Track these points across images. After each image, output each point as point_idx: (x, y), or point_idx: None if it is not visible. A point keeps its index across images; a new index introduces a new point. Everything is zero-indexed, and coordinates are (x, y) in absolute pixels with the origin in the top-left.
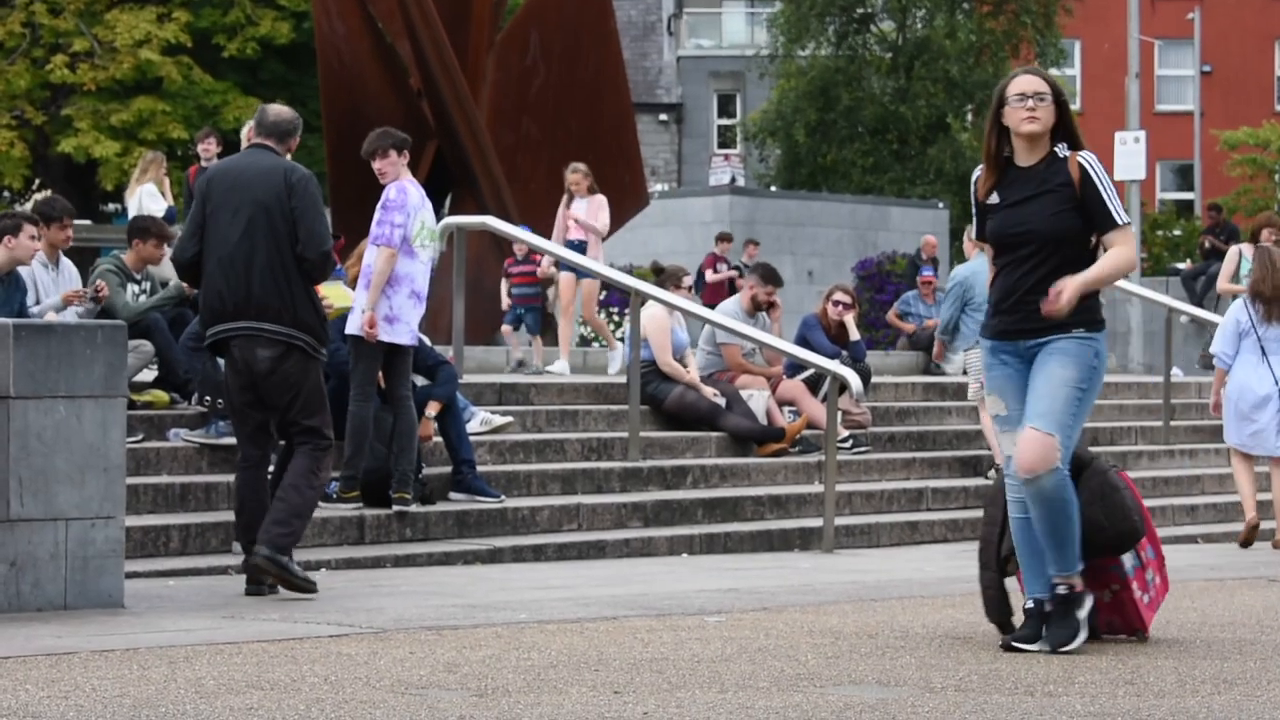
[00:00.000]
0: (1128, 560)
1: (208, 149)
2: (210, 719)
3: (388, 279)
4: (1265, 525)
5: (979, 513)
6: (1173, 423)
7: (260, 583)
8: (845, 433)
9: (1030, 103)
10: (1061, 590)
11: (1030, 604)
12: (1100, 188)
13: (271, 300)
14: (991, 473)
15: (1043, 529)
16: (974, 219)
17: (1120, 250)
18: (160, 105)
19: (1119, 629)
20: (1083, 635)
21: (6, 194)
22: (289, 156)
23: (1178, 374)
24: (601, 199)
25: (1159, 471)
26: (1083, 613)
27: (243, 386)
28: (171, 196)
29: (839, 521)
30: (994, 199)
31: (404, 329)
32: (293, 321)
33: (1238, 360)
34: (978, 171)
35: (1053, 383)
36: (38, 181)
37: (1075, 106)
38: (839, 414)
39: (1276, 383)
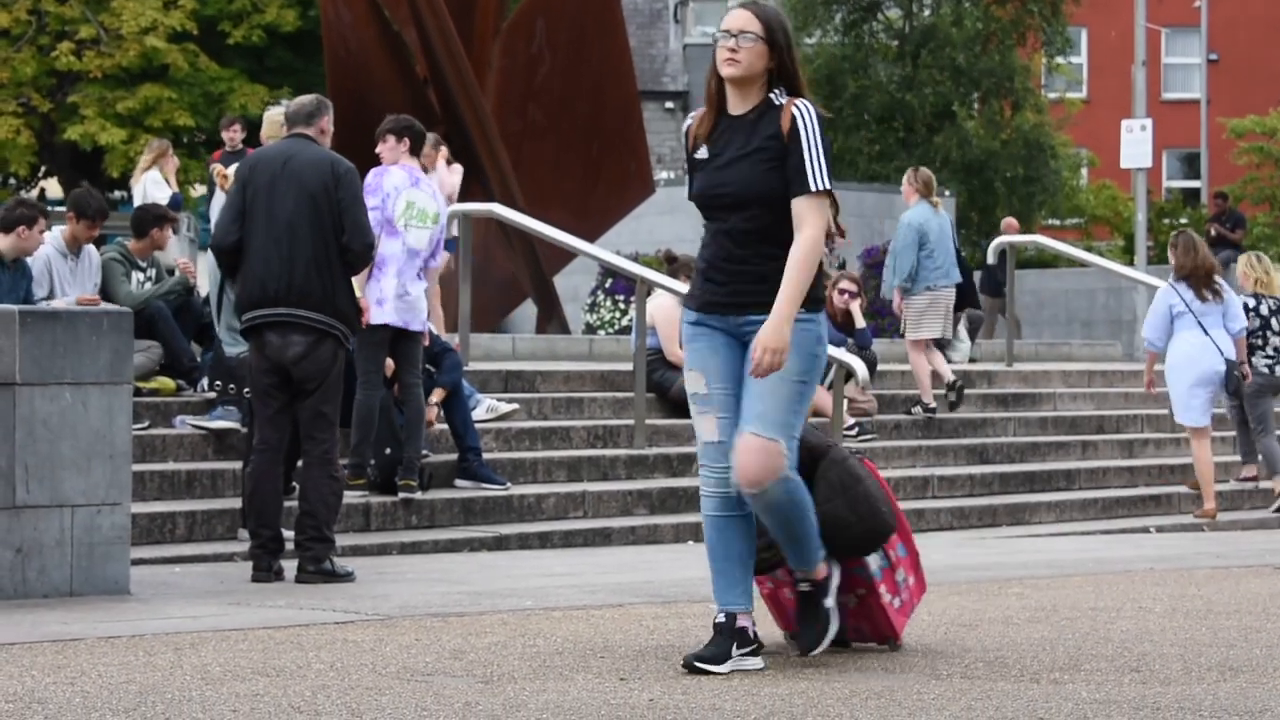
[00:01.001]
0: (874, 561)
1: (233, 136)
2: (216, 705)
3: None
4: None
5: (986, 500)
6: None
7: (268, 568)
8: (851, 420)
9: (733, 41)
10: (804, 587)
11: (721, 617)
12: (805, 141)
13: (314, 289)
14: (917, 408)
15: (778, 535)
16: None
17: (805, 237)
18: (166, 93)
19: (868, 636)
20: (834, 625)
21: (12, 181)
22: (328, 137)
23: None
24: (456, 168)
25: (1165, 459)
26: (830, 600)
27: (269, 370)
28: (177, 183)
29: None
30: (702, 153)
31: (391, 310)
32: (332, 311)
33: (1182, 341)
34: (690, 119)
35: (770, 379)
36: (44, 169)
37: (1082, 94)
38: (845, 401)
39: (1223, 356)
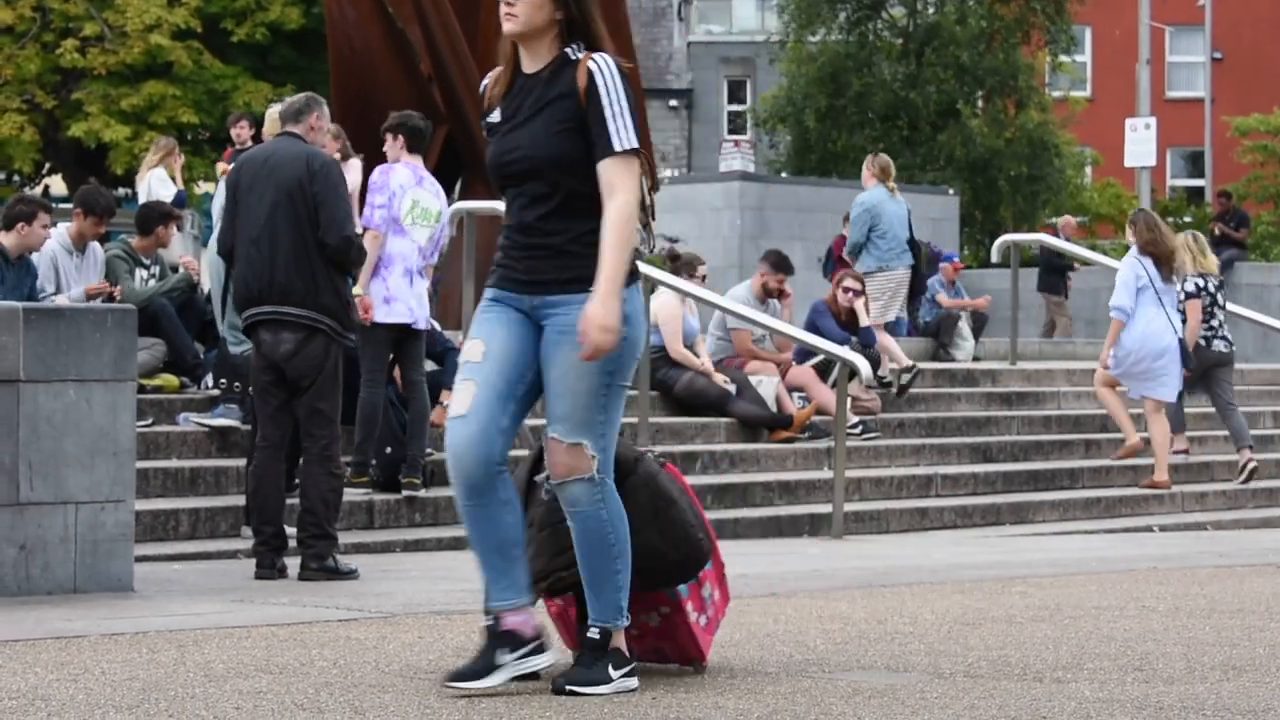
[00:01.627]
0: None
1: (240, 133)
2: (219, 703)
3: (379, 260)
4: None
5: (989, 499)
6: (1183, 410)
7: (271, 566)
8: (855, 419)
9: None
10: (593, 634)
11: (489, 620)
12: (605, 98)
13: (295, 285)
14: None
15: (583, 570)
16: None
17: (618, 203)
18: (170, 90)
19: (670, 657)
20: (612, 689)
21: (17, 178)
22: (323, 134)
23: None
24: (354, 163)
25: (1170, 459)
26: (618, 674)
27: (265, 367)
28: (183, 180)
29: (848, 507)
30: (495, 116)
31: (401, 308)
32: (315, 305)
33: (1144, 316)
34: (486, 79)
35: (570, 374)
36: (48, 166)
37: (1086, 93)
38: (849, 400)
39: (1177, 333)
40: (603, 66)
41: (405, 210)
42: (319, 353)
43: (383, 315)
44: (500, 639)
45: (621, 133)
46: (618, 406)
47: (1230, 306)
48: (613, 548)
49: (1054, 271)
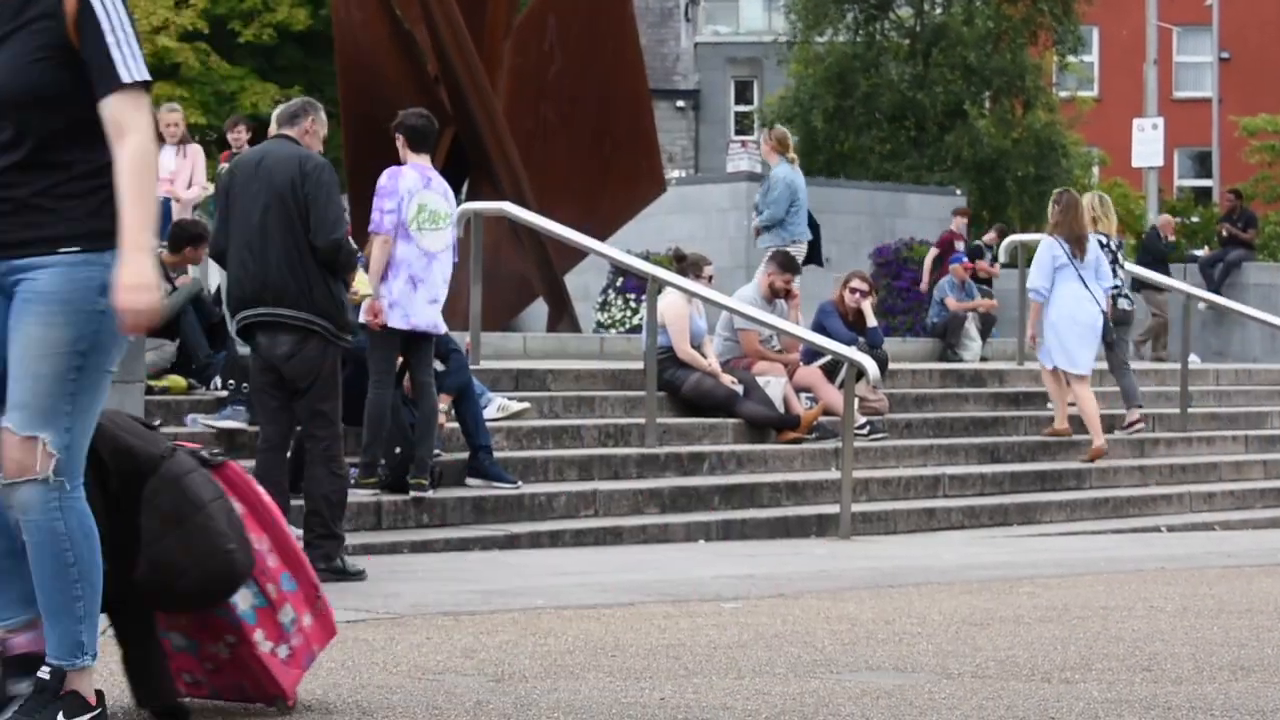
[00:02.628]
0: (244, 600)
1: (238, 137)
2: (227, 702)
3: (385, 264)
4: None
5: (997, 499)
6: (1190, 410)
7: (313, 566)
8: (862, 419)
9: None
10: (43, 674)
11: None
12: (104, 22)
13: (288, 286)
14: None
15: (35, 579)
16: None
17: (132, 145)
18: (177, 91)
19: (252, 695)
20: None
21: None
22: (317, 139)
23: (1195, 361)
24: (195, 148)
25: (1176, 459)
26: None
27: (264, 369)
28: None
29: (856, 508)
30: None
31: (399, 315)
32: (309, 307)
33: (1065, 292)
34: None
35: (31, 353)
36: None
37: (1093, 93)
38: (856, 400)
39: (1100, 308)
40: None
41: (411, 215)
42: (316, 354)
43: (391, 319)
44: (10, 665)
45: (129, 62)
46: (94, 396)
47: (1237, 306)
48: (71, 569)
49: (1158, 262)
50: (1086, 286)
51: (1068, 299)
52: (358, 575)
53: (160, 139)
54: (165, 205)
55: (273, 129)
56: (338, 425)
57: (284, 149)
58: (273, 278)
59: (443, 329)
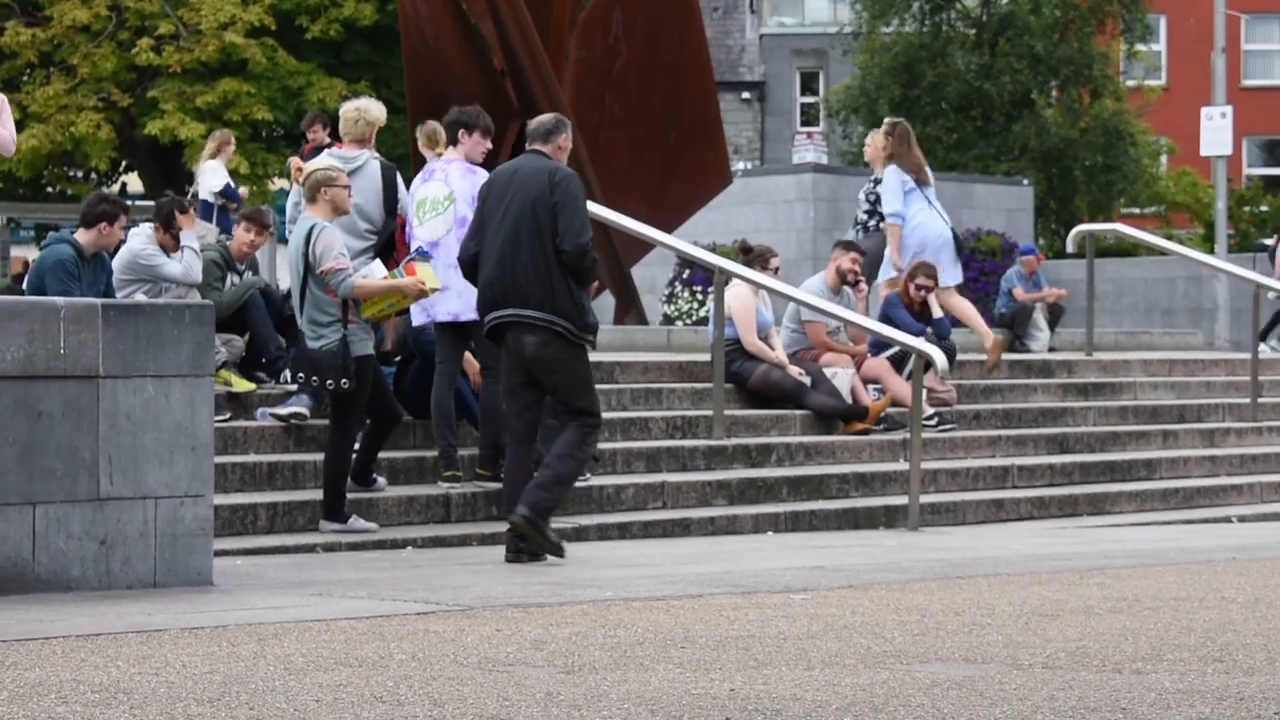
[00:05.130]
0: None
1: (316, 135)
2: (299, 695)
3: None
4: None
5: (1066, 490)
6: (1260, 399)
7: (519, 550)
8: (930, 410)
9: None
10: None
11: None
12: None
13: (533, 290)
14: None
15: None
16: None
17: None
18: (245, 87)
19: None
20: None
21: (93, 176)
22: (565, 154)
23: (1265, 350)
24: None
25: (1247, 449)
26: None
27: (513, 369)
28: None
29: (924, 499)
30: None
31: (418, 310)
32: (552, 309)
33: (918, 213)
34: None
35: None
36: (124, 164)
37: (1161, 81)
38: (924, 391)
39: (948, 224)
40: None
41: (412, 210)
42: (559, 355)
43: (439, 315)
44: None
45: None
46: None
47: None
48: None
49: None
50: (934, 208)
51: (921, 220)
52: (556, 549)
53: None
54: None
55: (345, 127)
56: (598, 418)
57: (537, 163)
58: (521, 282)
59: (465, 316)
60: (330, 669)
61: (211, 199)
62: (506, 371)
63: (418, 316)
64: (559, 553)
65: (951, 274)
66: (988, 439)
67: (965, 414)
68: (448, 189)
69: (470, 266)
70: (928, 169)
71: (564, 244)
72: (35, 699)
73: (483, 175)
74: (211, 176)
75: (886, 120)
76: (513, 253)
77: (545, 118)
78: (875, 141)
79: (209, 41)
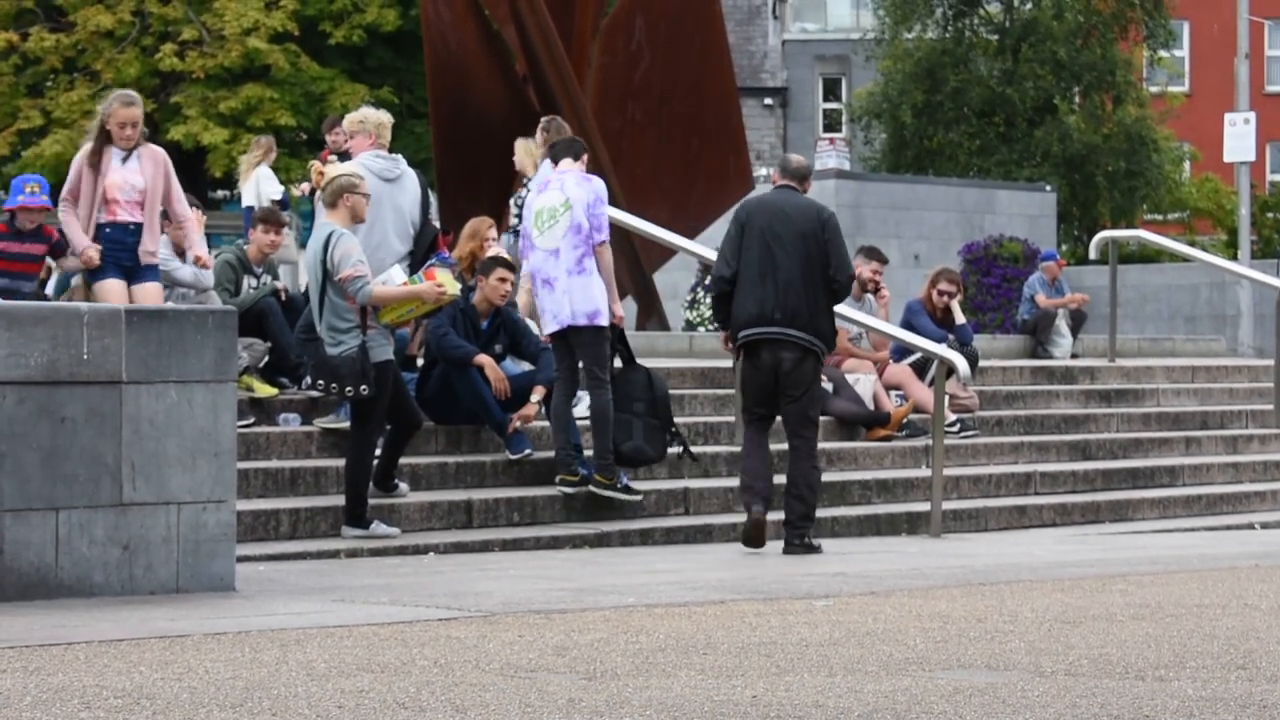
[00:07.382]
0: None
1: (336, 139)
2: (322, 701)
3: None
4: None
5: (1089, 496)
6: None
7: (790, 542)
8: (953, 417)
9: None
10: None
11: None
12: None
13: (802, 311)
14: None
15: None
16: None
17: None
18: (268, 92)
19: None
20: None
21: None
22: (809, 189)
23: None
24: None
25: (1270, 455)
26: None
27: (761, 383)
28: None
29: (946, 506)
30: None
31: (548, 318)
32: (814, 330)
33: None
34: None
35: None
36: None
37: (1184, 88)
38: (946, 398)
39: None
40: None
41: (530, 223)
42: (810, 370)
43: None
44: None
45: None
46: None
47: None
48: None
49: None
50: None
51: None
52: (814, 549)
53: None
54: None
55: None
56: (818, 428)
57: (799, 199)
58: (790, 303)
59: (566, 321)
60: (352, 675)
61: (259, 205)
62: (748, 381)
63: (549, 325)
64: (818, 550)
65: None
66: (1010, 445)
67: (987, 420)
68: (564, 195)
69: (727, 283)
70: (524, 161)
71: (838, 274)
72: (59, 704)
73: (598, 184)
74: (267, 184)
75: (545, 118)
76: (786, 277)
77: (798, 159)
78: None
79: (232, 47)
